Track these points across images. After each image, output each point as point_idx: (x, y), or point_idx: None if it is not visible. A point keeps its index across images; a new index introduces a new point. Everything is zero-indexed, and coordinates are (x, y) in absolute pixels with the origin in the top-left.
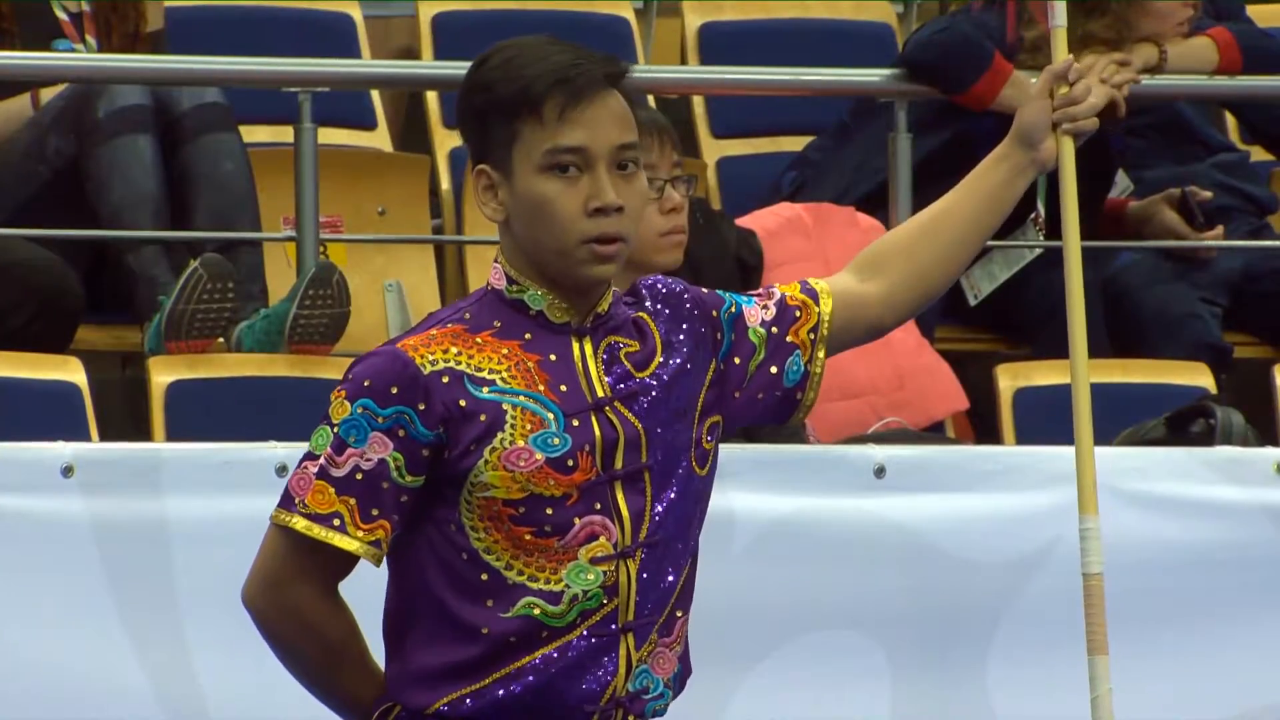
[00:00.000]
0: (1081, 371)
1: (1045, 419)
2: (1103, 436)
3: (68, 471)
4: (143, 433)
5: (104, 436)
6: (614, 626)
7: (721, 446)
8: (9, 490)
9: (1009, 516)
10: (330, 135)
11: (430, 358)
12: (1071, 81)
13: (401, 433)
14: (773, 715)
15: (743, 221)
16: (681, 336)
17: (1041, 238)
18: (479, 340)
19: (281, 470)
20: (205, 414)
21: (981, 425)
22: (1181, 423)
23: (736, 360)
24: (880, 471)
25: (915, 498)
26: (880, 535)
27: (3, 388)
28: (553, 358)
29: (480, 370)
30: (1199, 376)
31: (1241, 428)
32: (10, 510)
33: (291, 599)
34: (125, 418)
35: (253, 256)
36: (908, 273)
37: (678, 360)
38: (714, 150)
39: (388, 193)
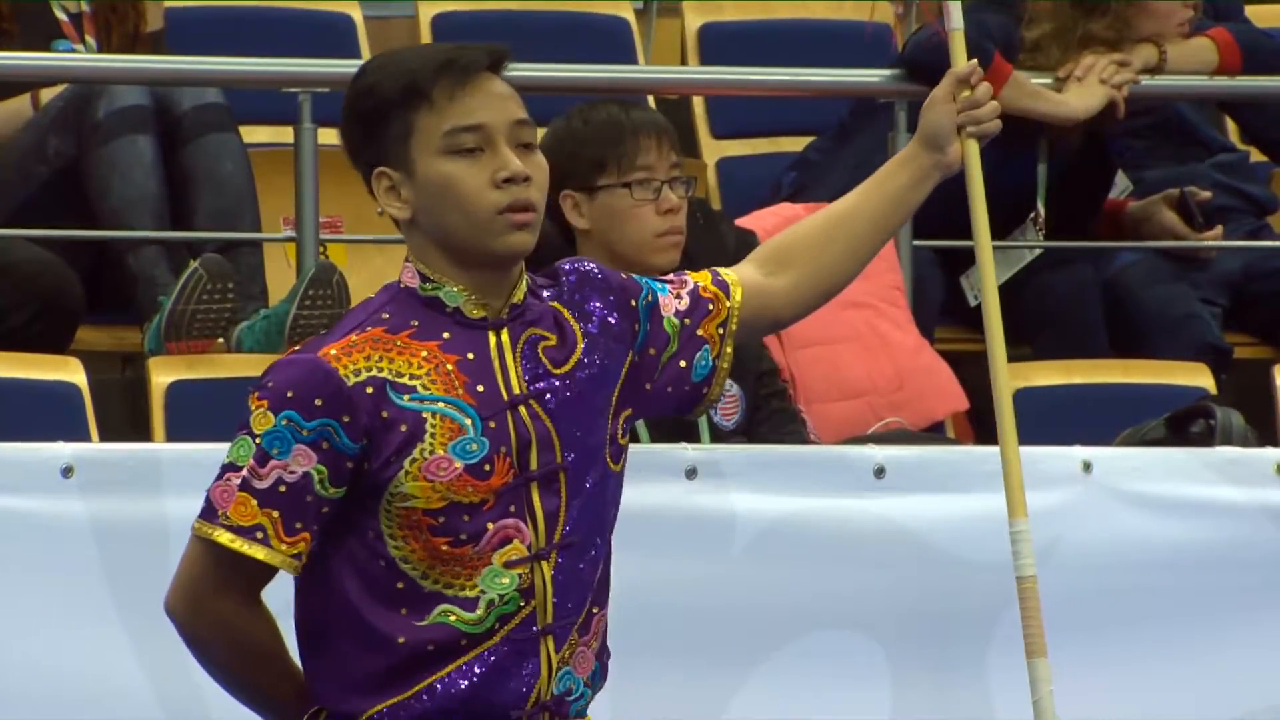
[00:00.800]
0: (1002, 377)
1: (1045, 420)
2: (1103, 437)
3: (67, 472)
4: (142, 433)
5: (104, 437)
6: (534, 629)
7: (721, 446)
8: (9, 490)
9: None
10: (330, 135)
11: (353, 368)
12: (973, 85)
13: (326, 445)
14: (772, 715)
15: (742, 222)
16: (600, 330)
17: (1041, 238)
18: (399, 342)
19: None
20: (205, 414)
21: (981, 426)
22: (1181, 423)
23: (651, 351)
24: (880, 472)
25: (915, 498)
26: (880, 535)
27: (3, 388)
28: (470, 356)
29: (401, 376)
30: (1199, 377)
31: (1241, 428)
32: (10, 510)
33: (214, 608)
34: (125, 418)
35: (253, 257)
36: (812, 269)
37: (596, 357)
38: (714, 151)
39: None
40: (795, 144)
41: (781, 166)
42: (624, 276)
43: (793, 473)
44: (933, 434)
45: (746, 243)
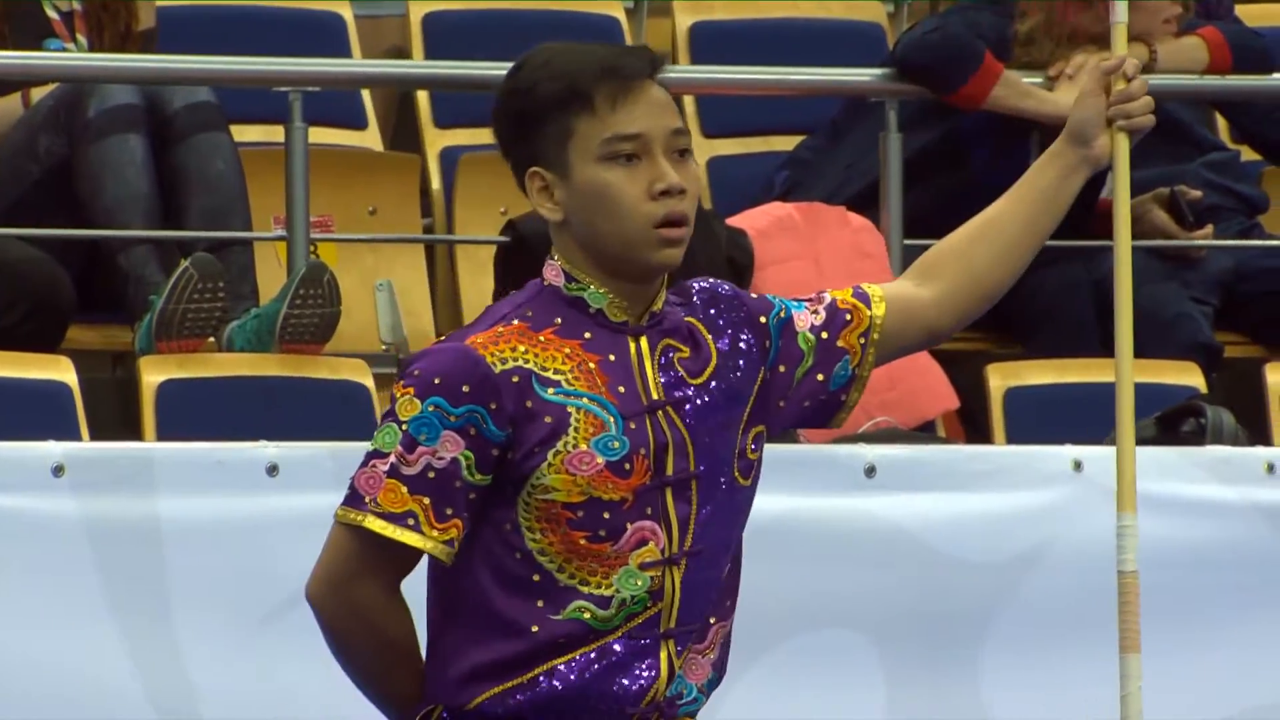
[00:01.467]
0: (1126, 370)
1: (1036, 419)
2: (1093, 435)
3: (58, 471)
4: (133, 432)
5: (95, 436)
6: (655, 631)
7: None
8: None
9: (1000, 516)
10: (321, 135)
11: (500, 356)
12: (1130, 77)
13: (473, 431)
14: (764, 714)
15: (734, 221)
16: (731, 347)
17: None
18: (542, 339)
19: (273, 470)
20: (196, 414)
21: (972, 425)
22: (1172, 422)
23: (782, 369)
24: (871, 471)
25: (906, 497)
26: (871, 535)
27: None
28: (611, 358)
29: (546, 370)
30: (1190, 376)
31: (1232, 427)
32: (1, 510)
33: (358, 597)
34: (116, 417)
35: (243, 256)
36: (963, 276)
37: (729, 373)
38: (705, 150)
39: (378, 192)
40: (786, 143)
41: (772, 165)
42: (754, 295)
43: (784, 472)
44: (923, 434)
45: (738, 242)
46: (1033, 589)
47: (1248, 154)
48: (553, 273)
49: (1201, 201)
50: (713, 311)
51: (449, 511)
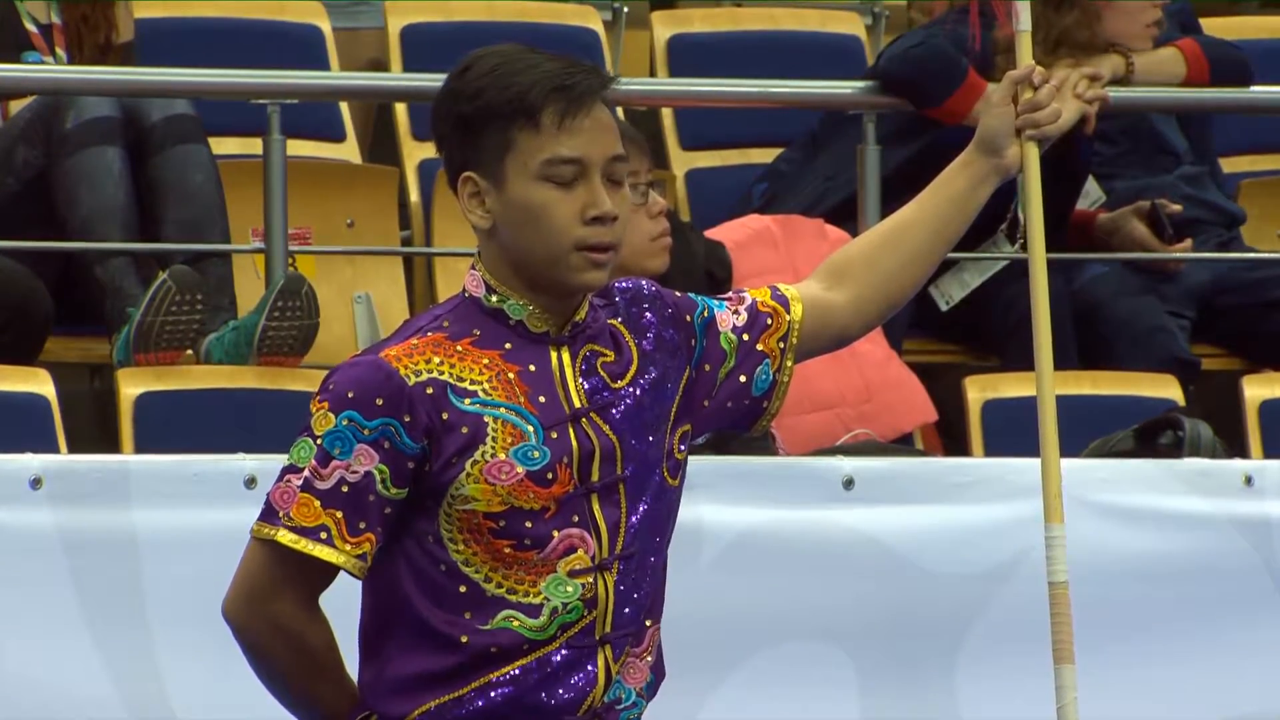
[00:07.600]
0: (1046, 381)
1: (1013, 431)
2: (1071, 448)
3: (36, 483)
4: (111, 444)
5: (72, 448)
6: (592, 638)
7: (690, 458)
8: None
9: (977, 528)
10: (299, 147)
11: (414, 368)
12: (1036, 86)
13: (387, 444)
14: None
15: (711, 233)
16: (655, 346)
17: (1020, 244)
18: (459, 349)
19: (250, 482)
20: (174, 426)
21: (950, 437)
22: (1150, 435)
23: (707, 367)
24: (849, 483)
25: (884, 509)
26: (849, 547)
27: None
28: (532, 368)
29: (462, 380)
30: (1167, 388)
31: (1210, 440)
32: None
33: (274, 612)
34: (94, 429)
35: (221, 268)
36: (873, 281)
37: (653, 372)
38: (683, 162)
39: (356, 204)
40: (764, 155)
41: (750, 178)
42: (678, 294)
43: (762, 484)
44: (901, 446)
45: (715, 254)
46: (1010, 600)
47: (1228, 166)
48: (473, 283)
49: (1181, 215)
50: (635, 311)
51: (362, 525)
